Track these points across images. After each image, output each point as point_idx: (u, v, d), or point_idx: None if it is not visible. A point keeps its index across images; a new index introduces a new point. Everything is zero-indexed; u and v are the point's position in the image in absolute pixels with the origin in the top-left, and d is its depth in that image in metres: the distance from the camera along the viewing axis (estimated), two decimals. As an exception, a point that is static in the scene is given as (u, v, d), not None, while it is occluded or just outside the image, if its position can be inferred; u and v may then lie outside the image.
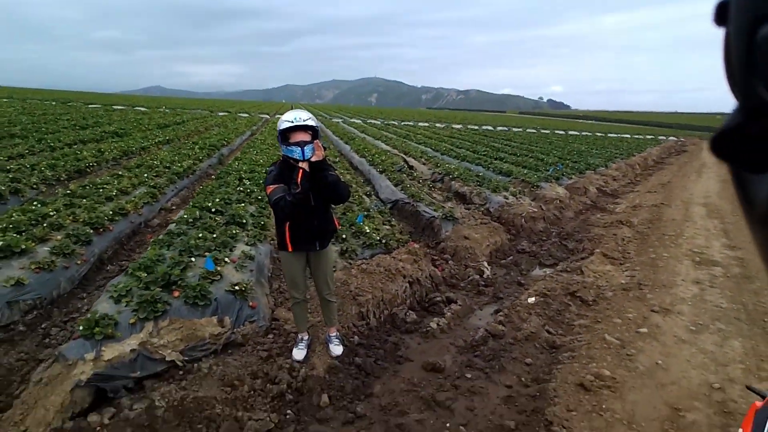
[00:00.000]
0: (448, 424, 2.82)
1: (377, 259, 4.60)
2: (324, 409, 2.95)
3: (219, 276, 3.79)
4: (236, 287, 3.66)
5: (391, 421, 2.84)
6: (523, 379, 3.31)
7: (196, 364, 3.16)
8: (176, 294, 3.51)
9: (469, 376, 3.32)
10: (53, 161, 8.46)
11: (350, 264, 4.42)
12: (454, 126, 36.85)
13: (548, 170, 11.48)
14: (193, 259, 4.06)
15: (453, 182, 9.10)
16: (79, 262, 4.56)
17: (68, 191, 6.48)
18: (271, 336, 3.54)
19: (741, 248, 6.76)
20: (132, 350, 3.06)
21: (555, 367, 3.46)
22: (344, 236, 5.03)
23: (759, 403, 1.68)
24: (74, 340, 3.07)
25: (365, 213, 5.99)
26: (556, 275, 5.45)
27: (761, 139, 0.23)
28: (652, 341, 3.87)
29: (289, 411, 2.88)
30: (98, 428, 2.67)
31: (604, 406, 2.96)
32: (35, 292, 3.96)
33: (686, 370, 3.46)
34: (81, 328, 3.07)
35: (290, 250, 3.08)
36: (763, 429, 1.56)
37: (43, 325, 3.88)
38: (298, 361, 3.26)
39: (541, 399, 3.05)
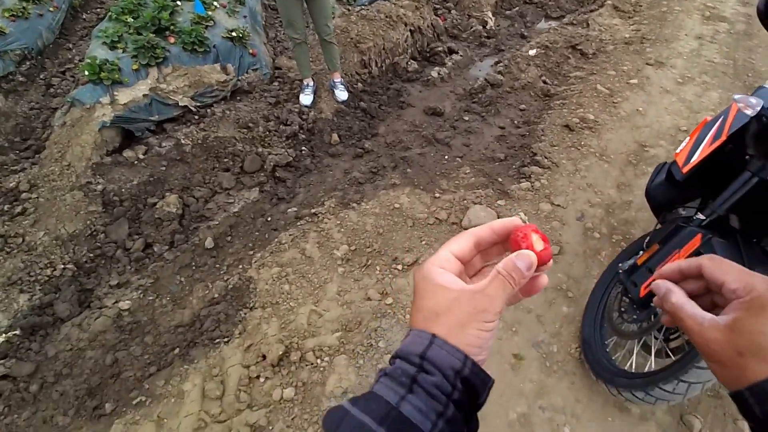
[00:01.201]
0: (446, 156, 3.21)
1: (378, 5, 4.28)
2: (335, 146, 3.28)
3: (212, 21, 3.59)
4: (233, 33, 3.52)
5: (396, 155, 3.21)
6: (515, 121, 3.60)
7: (209, 109, 3.31)
8: (172, 40, 3.38)
9: (466, 119, 3.58)
10: None
11: (349, 10, 4.14)
12: None
13: None
14: (179, 2, 3.74)
15: None
16: (51, 9, 4.20)
17: None
18: (276, 84, 3.60)
19: (752, 4, 6.35)
20: (144, 95, 3.15)
21: (546, 112, 3.71)
22: (339, -23, 4.54)
23: (709, 118, 1.93)
24: (83, 86, 3.12)
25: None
26: (560, 28, 5.23)
27: None
28: (639, 91, 4.05)
29: (303, 148, 3.20)
30: (135, 162, 2.99)
31: (582, 143, 3.34)
32: (19, 42, 3.80)
33: (661, 115, 3.75)
34: (87, 73, 3.07)
35: None
36: (705, 135, 1.85)
37: (41, 76, 3.85)
38: (306, 106, 3.43)
39: (530, 137, 3.39)
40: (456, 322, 0.43)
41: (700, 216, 1.69)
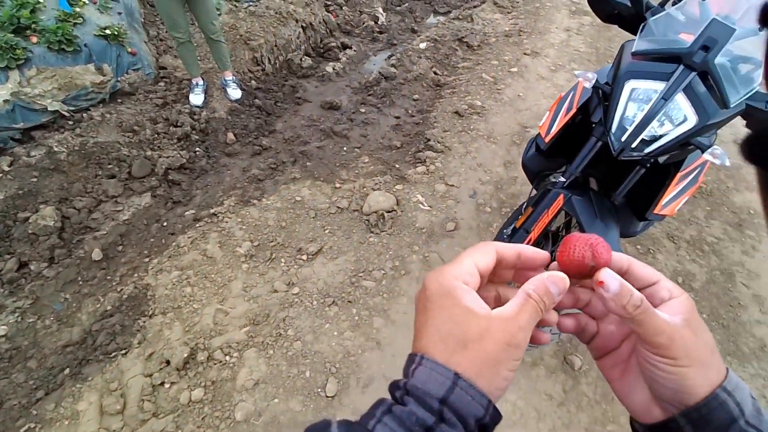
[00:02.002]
0: (345, 148, 3.29)
1: (266, 1, 4.23)
2: (231, 145, 3.21)
3: (81, 18, 3.31)
4: (107, 31, 3.28)
5: (295, 150, 3.22)
6: (410, 111, 3.78)
7: (85, 114, 3.07)
8: (34, 39, 3.07)
9: (363, 111, 3.69)
10: None
11: (236, 7, 4.04)
12: None
13: None
14: (40, -2, 3.40)
15: None
16: None
17: None
18: (162, 84, 3.43)
19: None
20: (5, 101, 2.84)
21: (437, 101, 3.95)
22: (223, -26, 4.40)
23: (563, 93, 2.20)
24: (-75, 93, 2.73)
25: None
26: (448, 22, 5.56)
27: None
28: (519, 78, 4.46)
29: (197, 149, 3.09)
30: (0, 175, 2.69)
31: (471, 127, 3.61)
32: None
33: (538, 99, 4.18)
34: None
35: None
36: (560, 109, 2.12)
37: None
38: (197, 106, 3.31)
39: (424, 125, 3.59)
40: (488, 359, 0.36)
41: (562, 179, 1.91)
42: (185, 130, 3.11)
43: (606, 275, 0.39)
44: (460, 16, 5.87)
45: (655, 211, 1.87)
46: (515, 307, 0.38)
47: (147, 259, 2.47)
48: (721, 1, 1.75)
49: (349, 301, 2.30)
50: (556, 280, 0.40)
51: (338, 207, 2.79)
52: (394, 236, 2.66)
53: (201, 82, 3.37)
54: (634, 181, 1.87)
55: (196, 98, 3.33)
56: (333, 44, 4.46)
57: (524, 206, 2.25)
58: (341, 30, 4.86)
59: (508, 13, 6.27)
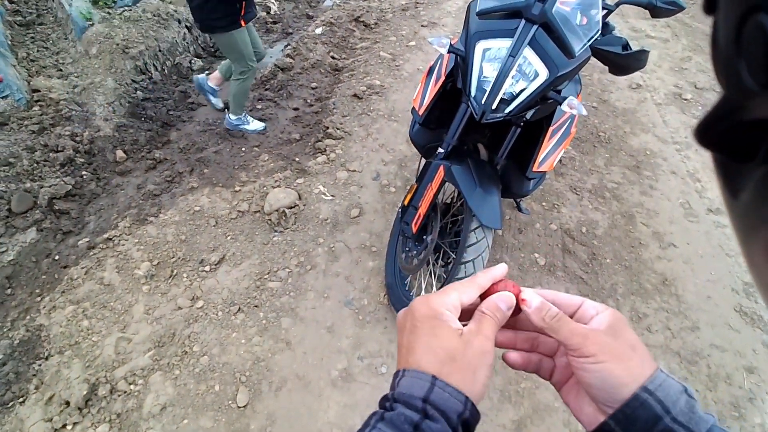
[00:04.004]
0: (243, 149, 3.23)
1: (143, 4, 4.00)
2: (122, 162, 3.07)
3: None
4: (-41, 59, 3.00)
5: (192, 158, 3.13)
6: (308, 100, 3.75)
7: (-50, 153, 2.82)
8: None
9: (260, 107, 3.62)
10: None
11: (110, 14, 3.80)
12: None
13: None
14: None
15: None
16: None
17: None
18: (37, 108, 3.20)
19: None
20: None
21: (336, 86, 3.93)
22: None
23: (431, 63, 2.21)
24: None
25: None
26: (344, 3, 5.49)
27: (745, 128, 0.22)
28: (417, 51, 4.50)
29: (84, 172, 2.94)
30: None
31: (371, 108, 3.63)
32: None
33: (440, 70, 4.25)
34: None
35: (243, 24, 2.88)
36: (430, 79, 2.13)
37: None
38: (260, 131, 3.40)
39: (323, 113, 3.58)
40: (470, 367, 0.44)
41: (440, 150, 1.90)
42: (68, 155, 2.94)
43: (527, 294, 0.50)
44: (358, -6, 5.81)
45: (534, 169, 1.89)
46: (476, 323, 0.47)
47: (39, 299, 2.35)
48: None
49: (256, 306, 2.32)
50: (503, 298, 0.49)
51: (239, 211, 2.76)
52: (298, 232, 2.67)
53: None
54: (512, 141, 1.89)
55: (257, 124, 3.40)
56: (224, 40, 4.29)
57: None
58: (233, 24, 4.68)
59: (405, -15, 6.27)
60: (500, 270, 0.52)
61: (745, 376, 2.23)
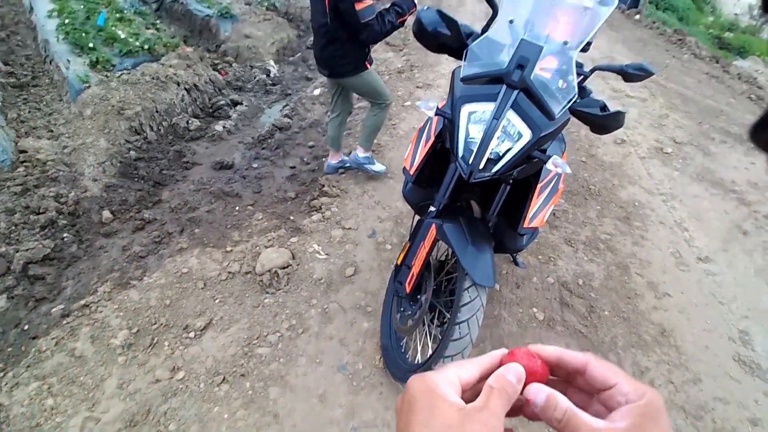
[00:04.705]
0: (237, 207, 3.13)
1: (143, 67, 4.08)
2: (108, 223, 2.94)
3: None
4: (-50, 121, 2.97)
5: (183, 218, 3.02)
6: (305, 159, 3.72)
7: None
8: None
9: (256, 166, 3.57)
10: None
11: (107, 77, 3.85)
12: None
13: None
14: None
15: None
16: None
17: None
18: (22, 169, 3.12)
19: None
20: None
21: (333, 144, 3.92)
22: (91, 45, 4.20)
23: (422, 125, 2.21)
24: None
25: (117, 15, 4.95)
26: (341, 67, 5.69)
27: None
28: (413, 111, 4.56)
29: (66, 234, 2.80)
30: None
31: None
32: None
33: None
34: None
35: (369, 67, 2.95)
36: (420, 140, 2.11)
37: None
38: (381, 172, 3.42)
39: (319, 171, 3.53)
40: None
41: (432, 208, 1.89)
42: (50, 216, 2.81)
43: (532, 392, 0.44)
44: (354, 60, 6.03)
45: (525, 225, 1.90)
46: (483, 398, 0.42)
47: (1, 374, 2.12)
48: (547, 23, 1.84)
49: (242, 375, 2.09)
50: (512, 369, 0.44)
51: (229, 272, 2.60)
52: (290, 293, 2.50)
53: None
54: (503, 199, 1.90)
55: (380, 166, 3.40)
56: (222, 102, 4.36)
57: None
58: (232, 87, 4.78)
59: (400, 50, 6.53)
60: (500, 353, 0.48)
61: (751, 429, 2.15)
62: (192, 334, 2.27)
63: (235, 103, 4.44)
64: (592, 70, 1.86)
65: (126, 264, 2.67)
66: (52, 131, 3.55)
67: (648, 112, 5.16)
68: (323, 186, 3.26)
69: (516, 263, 2.75)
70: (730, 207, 3.75)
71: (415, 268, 1.91)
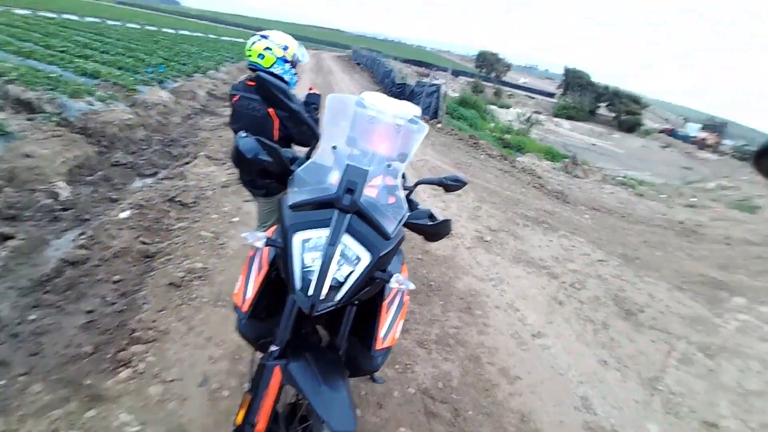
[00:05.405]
0: (2, 382, 2.28)
1: None
2: None
3: None
4: None
5: None
6: (108, 298, 3.04)
7: None
8: None
9: (33, 317, 2.76)
10: None
11: None
12: (17, 11, 26.86)
13: (148, 72, 10.38)
14: None
15: (10, 86, 6.82)
16: None
17: None
18: None
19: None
20: None
21: (147, 275, 3.34)
22: None
23: (252, 252, 2.04)
24: None
25: None
26: (156, 184, 5.18)
27: None
28: (242, 227, 4.31)
29: None
30: None
31: (194, 295, 3.12)
32: None
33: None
34: None
35: None
36: (251, 270, 1.92)
37: None
38: None
39: (129, 311, 2.90)
40: None
41: (273, 347, 1.63)
42: None
43: None
44: (170, 175, 5.57)
45: (377, 347, 1.80)
46: None
47: None
48: (369, 140, 1.92)
49: None
50: None
51: (-20, 491, 1.78)
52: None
53: None
54: (350, 323, 1.78)
55: None
56: (-14, 239, 3.40)
57: (245, 392, 1.87)
58: (2, 217, 3.82)
59: (223, 164, 6.34)
60: None
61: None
62: None
63: (4, 237, 3.51)
64: (416, 184, 1.98)
65: None
66: None
67: (465, 206, 5.97)
68: (134, 331, 2.67)
69: (374, 380, 2.61)
70: (544, 282, 4.35)
71: (261, 425, 1.58)
